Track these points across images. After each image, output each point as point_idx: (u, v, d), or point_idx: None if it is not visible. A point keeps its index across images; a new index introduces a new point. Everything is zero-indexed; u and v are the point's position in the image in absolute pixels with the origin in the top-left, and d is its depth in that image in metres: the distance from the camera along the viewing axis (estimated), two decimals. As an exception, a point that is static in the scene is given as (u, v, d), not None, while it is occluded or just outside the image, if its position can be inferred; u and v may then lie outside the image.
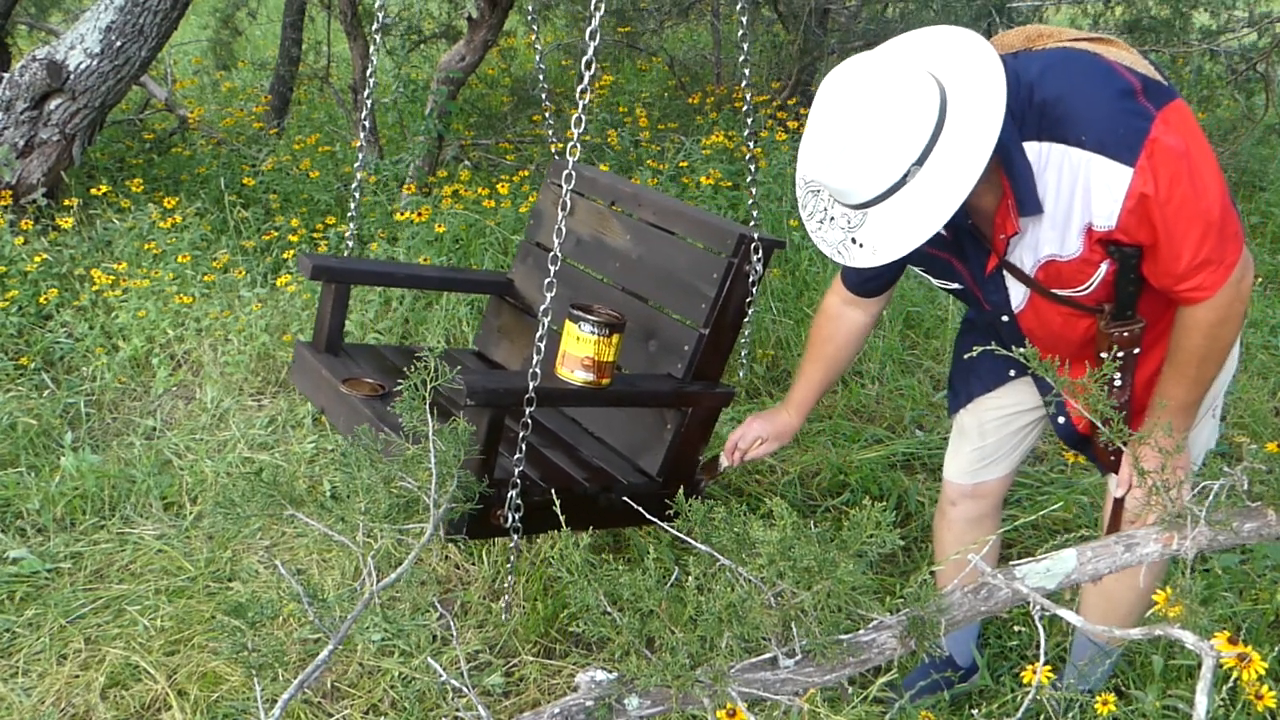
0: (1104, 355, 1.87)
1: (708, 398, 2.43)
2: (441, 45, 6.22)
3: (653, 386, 2.42)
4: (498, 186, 4.52)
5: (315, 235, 4.34)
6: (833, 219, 1.75)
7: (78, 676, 2.40)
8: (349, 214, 2.99)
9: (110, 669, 2.41)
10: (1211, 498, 1.71)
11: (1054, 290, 1.83)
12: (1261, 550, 2.51)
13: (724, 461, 2.42)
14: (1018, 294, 1.89)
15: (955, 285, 1.97)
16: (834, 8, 6.06)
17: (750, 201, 2.51)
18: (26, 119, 4.28)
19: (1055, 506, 2.84)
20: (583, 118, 2.03)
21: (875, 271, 2.11)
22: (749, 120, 2.52)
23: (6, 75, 4.35)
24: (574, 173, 2.08)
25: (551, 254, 2.08)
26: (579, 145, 2.05)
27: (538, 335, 2.10)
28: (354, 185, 2.94)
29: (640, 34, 6.81)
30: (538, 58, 3.35)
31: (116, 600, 2.64)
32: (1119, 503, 2.06)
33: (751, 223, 2.45)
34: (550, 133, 3.34)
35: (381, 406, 2.44)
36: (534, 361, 2.09)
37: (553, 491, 2.02)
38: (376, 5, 2.92)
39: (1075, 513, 2.95)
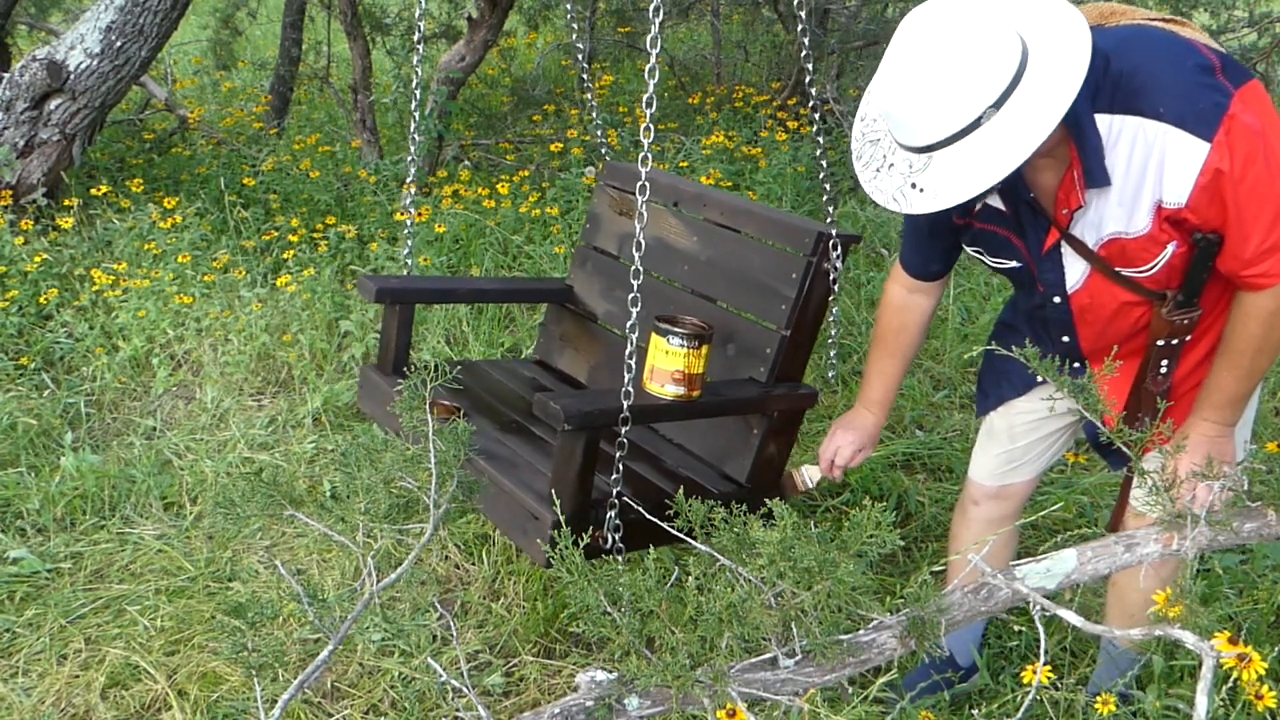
0: (1160, 343, 1.85)
1: (794, 400, 2.38)
2: (441, 45, 6.22)
3: (741, 394, 2.35)
4: (498, 186, 4.52)
5: (315, 235, 4.34)
6: (892, 165, 1.71)
7: (78, 676, 2.40)
8: (405, 232, 2.90)
9: (110, 669, 2.41)
10: (1211, 497, 1.71)
11: (1117, 269, 1.80)
12: (1261, 550, 2.51)
13: (813, 477, 2.38)
14: (1075, 273, 1.86)
15: (1012, 264, 1.94)
16: (834, 8, 6.06)
17: (825, 197, 2.47)
18: (26, 119, 4.29)
19: (1055, 507, 2.84)
20: (651, 126, 1.96)
21: (939, 253, 2.09)
22: (816, 115, 2.48)
23: (6, 75, 4.35)
24: (630, 173, 2.01)
25: (634, 269, 2.02)
26: (649, 156, 1.99)
27: (627, 353, 2.04)
28: (408, 200, 2.84)
29: (640, 34, 6.81)
30: (579, 57, 3.33)
31: (116, 600, 2.64)
32: (1126, 497, 2.05)
33: (827, 219, 2.41)
34: (600, 134, 3.31)
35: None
36: (626, 380, 2.03)
37: (646, 507, 1.95)
38: (417, 16, 2.89)
39: (1075, 513, 2.95)
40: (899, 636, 1.59)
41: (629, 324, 2.03)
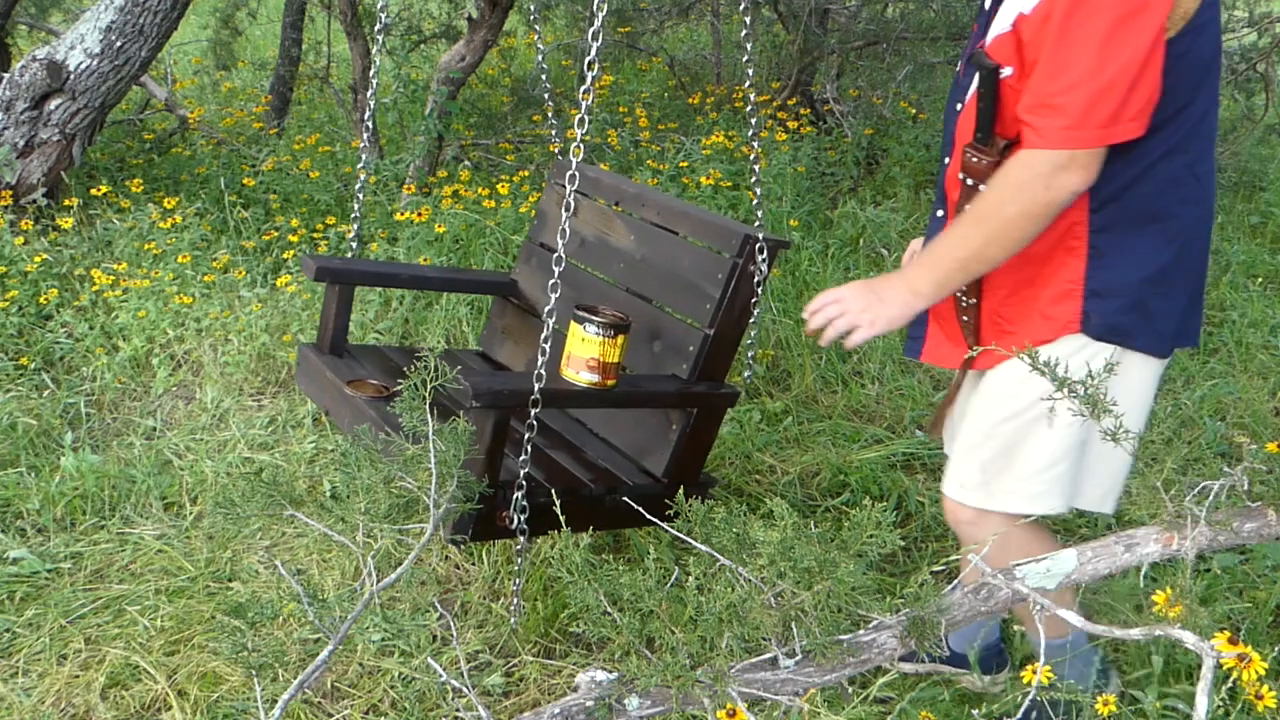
0: (960, 176, 1.83)
1: (713, 398, 2.42)
2: (441, 45, 6.22)
3: (658, 387, 2.42)
4: (498, 186, 4.52)
5: (315, 235, 4.34)
6: None
7: (78, 676, 2.40)
8: (352, 215, 3.00)
9: (110, 669, 2.41)
10: (1211, 498, 1.71)
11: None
12: (1261, 550, 2.51)
13: None
14: (973, 82, 1.83)
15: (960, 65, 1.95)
16: (834, 8, 6.06)
17: (754, 201, 2.52)
18: (26, 119, 4.28)
19: (1055, 506, 2.84)
20: (585, 118, 2.04)
21: None
22: (752, 120, 2.53)
23: (6, 75, 4.35)
24: (578, 173, 2.09)
25: (556, 255, 2.09)
26: (581, 145, 2.05)
27: (543, 336, 2.11)
28: (357, 186, 2.94)
29: (640, 34, 6.81)
30: (539, 58, 3.36)
31: (116, 600, 2.64)
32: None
33: (755, 223, 2.45)
34: (553, 132, 3.34)
35: (385, 408, 2.45)
36: (539, 363, 2.09)
37: (555, 493, 2.02)
38: (377, 9, 2.92)
39: (1075, 512, 2.94)
40: (899, 636, 1.59)
41: (546, 309, 2.11)
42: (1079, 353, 1.82)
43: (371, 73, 2.99)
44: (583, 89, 2.02)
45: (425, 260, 4.07)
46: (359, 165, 2.95)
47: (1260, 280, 4.57)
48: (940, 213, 1.97)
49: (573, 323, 2.21)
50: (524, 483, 2.12)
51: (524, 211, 4.37)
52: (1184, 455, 3.16)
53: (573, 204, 2.10)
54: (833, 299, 1.88)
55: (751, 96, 2.52)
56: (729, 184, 4.75)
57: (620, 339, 2.20)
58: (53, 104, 4.28)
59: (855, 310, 1.84)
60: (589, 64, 2.02)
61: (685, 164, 4.96)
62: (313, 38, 6.98)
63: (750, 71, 2.49)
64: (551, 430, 2.59)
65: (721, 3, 6.80)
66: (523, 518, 2.14)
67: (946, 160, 1.93)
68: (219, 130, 5.69)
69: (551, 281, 2.11)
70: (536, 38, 3.29)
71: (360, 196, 2.94)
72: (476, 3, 4.60)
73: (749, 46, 2.48)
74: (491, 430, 2.08)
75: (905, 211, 5.03)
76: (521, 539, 2.17)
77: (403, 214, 4.26)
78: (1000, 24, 1.74)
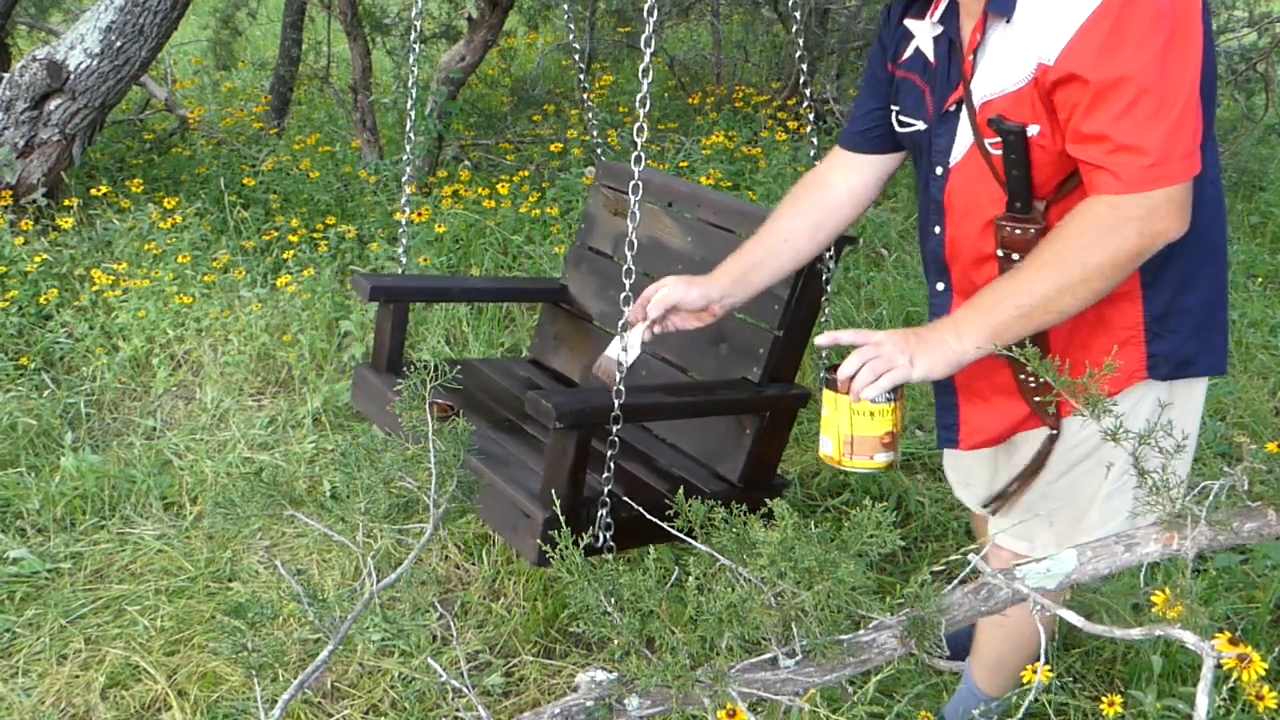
0: (1000, 253, 1.71)
1: (786, 400, 2.37)
2: (441, 45, 6.22)
3: (733, 394, 2.36)
4: (498, 187, 4.52)
5: (315, 235, 4.34)
6: None
7: (78, 676, 2.40)
8: (399, 230, 2.91)
9: (110, 669, 2.41)
10: (1211, 498, 1.71)
11: (986, 139, 1.65)
12: (1262, 550, 2.51)
13: (627, 354, 2.11)
14: (962, 143, 1.72)
15: (917, 125, 1.81)
16: (834, 8, 6.06)
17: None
18: (26, 119, 4.29)
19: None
20: (644, 126, 1.96)
21: (868, 116, 1.94)
22: (812, 116, 2.47)
23: (6, 75, 4.35)
24: (623, 174, 2.01)
25: (625, 268, 1.99)
26: (642, 154, 1.97)
27: (621, 346, 2.04)
28: (403, 200, 2.84)
29: (640, 34, 6.82)
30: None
31: (116, 600, 2.64)
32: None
33: None
34: (594, 134, 3.29)
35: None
36: (618, 379, 2.03)
37: (638, 506, 1.97)
38: (411, 12, 2.90)
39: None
40: (899, 636, 1.59)
41: (620, 323, 2.04)
42: (1143, 400, 1.76)
43: (410, 83, 2.89)
44: (639, 96, 1.91)
45: (425, 260, 4.07)
46: (404, 179, 2.89)
47: (1260, 280, 4.57)
48: (941, 286, 1.88)
49: (841, 400, 1.73)
50: (608, 500, 2.07)
51: (524, 211, 4.37)
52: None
53: (638, 213, 1.99)
54: (868, 342, 1.67)
55: (808, 92, 2.41)
56: (729, 184, 4.75)
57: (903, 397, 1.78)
58: (53, 104, 4.28)
59: (890, 353, 1.65)
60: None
61: (685, 164, 4.96)
62: (313, 38, 6.98)
63: (805, 67, 2.42)
64: (621, 439, 2.56)
65: (721, 3, 6.80)
66: (608, 535, 2.10)
67: (938, 230, 1.82)
68: (219, 130, 5.70)
69: (624, 295, 2.00)
70: (571, 37, 3.25)
71: (407, 210, 2.86)
72: (476, 3, 4.60)
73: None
74: (575, 449, 2.03)
75: (905, 212, 5.03)
76: (610, 557, 2.12)
77: (400, 213, 4.26)
78: (1001, 78, 1.63)
